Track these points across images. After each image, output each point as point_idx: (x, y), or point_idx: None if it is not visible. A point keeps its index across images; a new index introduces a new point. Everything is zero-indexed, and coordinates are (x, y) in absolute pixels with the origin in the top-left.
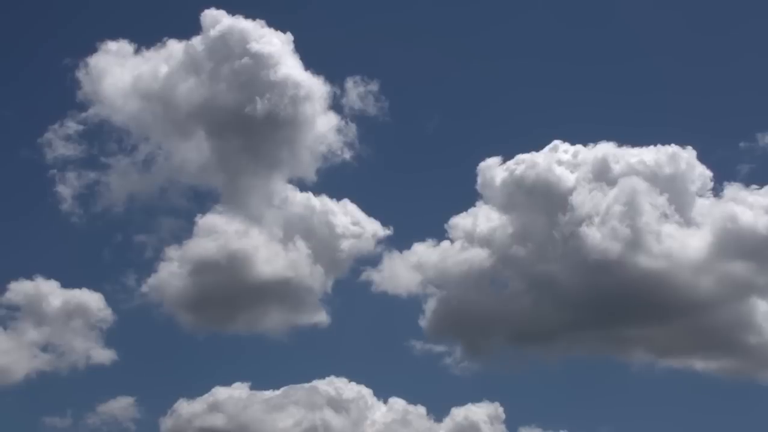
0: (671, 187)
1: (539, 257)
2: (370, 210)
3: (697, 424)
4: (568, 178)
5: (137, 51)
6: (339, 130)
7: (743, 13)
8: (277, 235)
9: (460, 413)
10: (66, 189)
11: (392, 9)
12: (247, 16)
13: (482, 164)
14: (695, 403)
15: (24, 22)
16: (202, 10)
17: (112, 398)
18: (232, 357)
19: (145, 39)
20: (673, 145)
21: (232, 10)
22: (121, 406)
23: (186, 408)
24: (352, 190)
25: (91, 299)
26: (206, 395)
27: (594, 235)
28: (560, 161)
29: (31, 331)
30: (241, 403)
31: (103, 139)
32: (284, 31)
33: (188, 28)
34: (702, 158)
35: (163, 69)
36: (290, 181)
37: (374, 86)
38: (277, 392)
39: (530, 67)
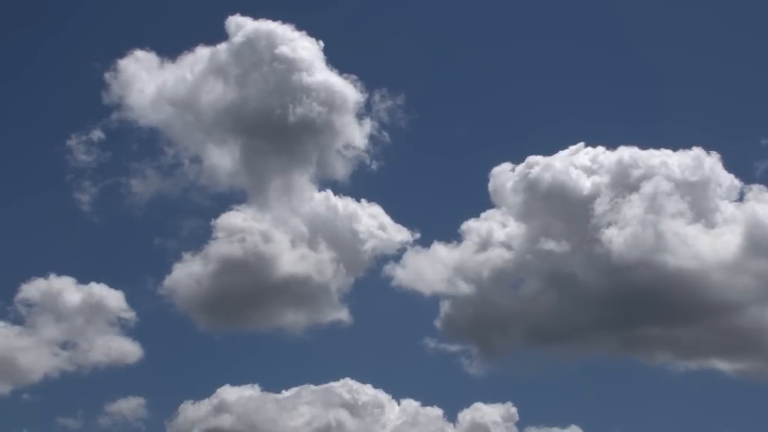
0: (694, 188)
1: (559, 259)
2: (392, 212)
3: (716, 425)
4: (589, 180)
5: (165, 57)
6: (364, 135)
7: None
8: (300, 235)
9: (473, 414)
10: (91, 190)
11: (410, 16)
12: (274, 20)
13: (496, 169)
14: (715, 404)
15: (53, 27)
16: (227, 17)
17: (122, 398)
18: (251, 357)
19: (173, 45)
20: (694, 148)
21: (257, 15)
22: (131, 406)
23: (198, 408)
24: (376, 193)
25: (112, 298)
26: (212, 396)
27: (614, 237)
28: (581, 164)
29: (51, 329)
30: (253, 404)
31: (129, 142)
32: (313, 37)
33: (215, 34)
34: (724, 160)
35: (191, 74)
36: (314, 184)
37: (401, 99)
38: (290, 393)
39: (552, 71)
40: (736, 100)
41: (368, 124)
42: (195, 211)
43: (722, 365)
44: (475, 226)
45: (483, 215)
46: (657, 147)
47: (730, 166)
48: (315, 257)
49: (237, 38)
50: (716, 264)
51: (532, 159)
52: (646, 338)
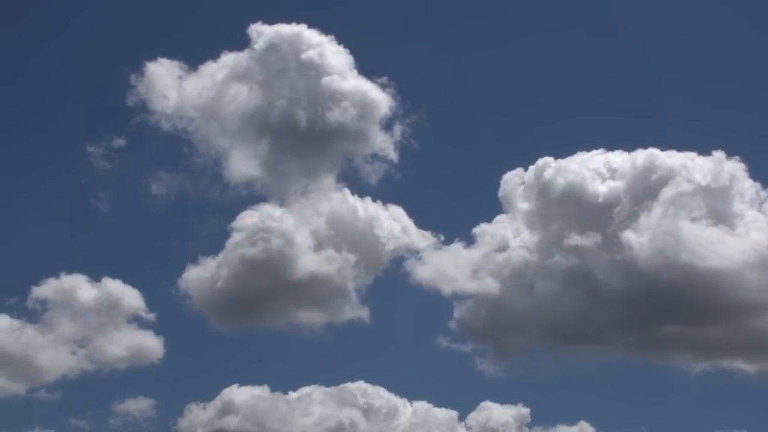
0: (715, 193)
1: (577, 259)
2: (413, 215)
3: (733, 425)
4: (607, 184)
5: (189, 64)
6: (385, 140)
7: None
8: (321, 236)
9: (484, 415)
10: (107, 194)
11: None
12: (298, 23)
13: (509, 173)
14: (734, 404)
15: (80, 32)
16: (249, 25)
17: (132, 397)
18: (267, 356)
19: (197, 53)
20: (714, 152)
21: (279, 22)
22: (140, 407)
23: (208, 408)
24: (397, 196)
25: (131, 296)
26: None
27: (634, 239)
28: (600, 167)
29: (67, 327)
30: (265, 404)
31: (152, 144)
32: (339, 43)
33: (239, 41)
34: (746, 162)
35: (215, 80)
36: (336, 185)
37: (424, 106)
38: (301, 393)
39: (569, 74)
40: (756, 100)
41: (397, 129)
42: (215, 212)
43: (744, 366)
44: (489, 229)
45: (505, 216)
46: (679, 149)
47: (751, 169)
48: (336, 257)
49: (260, 44)
50: (738, 265)
51: (542, 161)
52: (666, 339)
